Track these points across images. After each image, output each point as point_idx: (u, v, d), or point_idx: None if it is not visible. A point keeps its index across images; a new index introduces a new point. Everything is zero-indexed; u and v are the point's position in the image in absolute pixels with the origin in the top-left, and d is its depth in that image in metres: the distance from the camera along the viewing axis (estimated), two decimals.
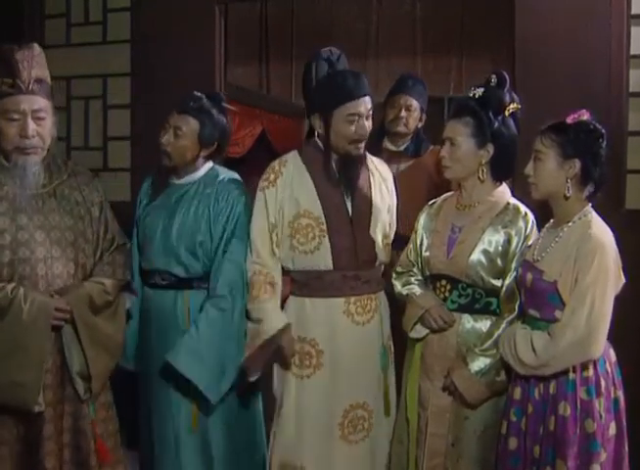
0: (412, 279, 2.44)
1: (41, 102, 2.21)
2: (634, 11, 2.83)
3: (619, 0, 2.82)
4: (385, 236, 2.51)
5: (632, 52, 2.83)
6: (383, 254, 2.50)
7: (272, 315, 2.40)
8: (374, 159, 2.60)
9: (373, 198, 2.48)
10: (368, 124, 2.40)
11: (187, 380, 2.41)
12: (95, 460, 2.26)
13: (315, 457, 2.41)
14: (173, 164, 2.56)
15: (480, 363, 2.22)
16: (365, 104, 2.38)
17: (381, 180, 2.55)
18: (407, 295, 2.41)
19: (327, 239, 2.41)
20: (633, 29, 2.83)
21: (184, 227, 2.52)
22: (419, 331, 2.36)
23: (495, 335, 2.22)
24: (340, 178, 2.43)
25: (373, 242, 2.46)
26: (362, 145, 2.43)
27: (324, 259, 2.42)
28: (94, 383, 2.24)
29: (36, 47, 2.26)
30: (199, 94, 2.58)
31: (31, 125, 2.18)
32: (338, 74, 2.38)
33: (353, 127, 2.38)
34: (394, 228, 2.60)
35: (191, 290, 2.54)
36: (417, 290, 2.40)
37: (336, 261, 2.42)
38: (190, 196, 2.56)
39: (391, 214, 2.57)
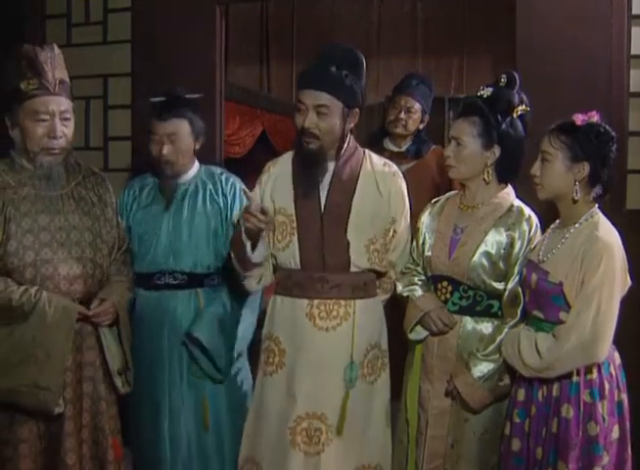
0: (415, 279, 2.42)
1: (66, 102, 2.24)
2: (635, 11, 2.83)
3: (620, 0, 2.81)
4: (370, 241, 2.35)
5: (633, 52, 2.83)
6: (362, 259, 2.34)
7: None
8: (376, 160, 2.45)
9: (354, 199, 2.34)
10: (317, 121, 2.26)
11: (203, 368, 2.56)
12: (112, 455, 2.29)
13: (269, 457, 2.36)
14: (176, 170, 2.61)
15: (482, 368, 2.21)
16: (313, 97, 2.25)
17: (373, 182, 2.38)
18: (407, 296, 2.39)
19: (296, 237, 2.33)
20: (634, 29, 2.83)
21: (194, 221, 2.59)
22: (419, 333, 2.35)
23: (498, 340, 2.21)
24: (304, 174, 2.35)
25: (347, 244, 2.32)
26: (309, 140, 2.28)
27: (293, 258, 2.34)
28: (131, 375, 2.35)
29: (56, 48, 2.28)
30: (162, 97, 2.63)
31: (59, 126, 2.19)
32: (311, 64, 2.31)
33: (298, 117, 2.28)
34: (399, 238, 2.43)
35: (202, 288, 2.60)
36: (418, 291, 2.38)
37: (303, 261, 2.33)
38: (192, 192, 2.63)
39: (392, 222, 2.40)
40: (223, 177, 2.69)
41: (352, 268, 2.35)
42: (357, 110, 2.36)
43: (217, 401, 2.59)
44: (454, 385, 2.24)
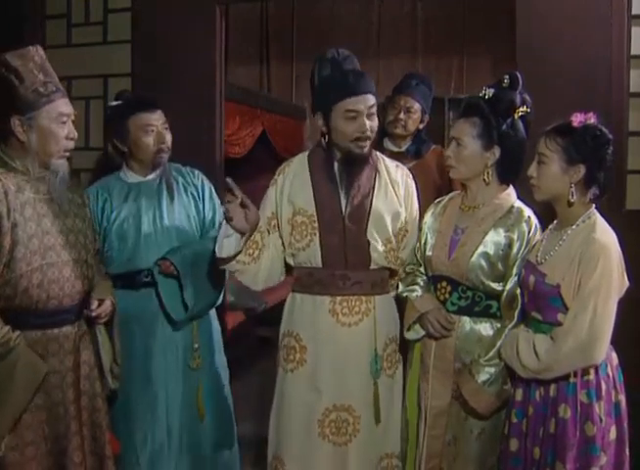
0: (417, 279, 2.43)
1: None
2: (635, 11, 2.83)
3: (620, 1, 2.81)
4: (387, 240, 2.42)
5: (633, 52, 2.82)
6: (381, 257, 2.42)
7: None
8: (388, 161, 2.53)
9: (373, 199, 2.42)
10: (370, 123, 2.34)
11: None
12: (110, 451, 2.31)
13: (294, 453, 2.41)
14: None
15: (485, 374, 2.21)
16: (365, 101, 2.32)
17: (388, 183, 2.46)
18: (406, 297, 2.40)
19: (317, 237, 2.39)
20: (634, 30, 2.82)
21: (174, 214, 2.65)
22: (417, 332, 2.37)
23: (498, 344, 2.21)
24: (340, 177, 2.41)
25: (367, 243, 2.39)
26: (365, 144, 2.37)
27: (314, 257, 2.40)
28: (119, 371, 2.37)
29: None
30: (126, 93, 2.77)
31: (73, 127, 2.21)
32: (339, 72, 2.34)
33: (353, 125, 2.33)
34: (410, 237, 2.49)
35: None
36: (417, 292, 2.39)
37: (325, 259, 2.39)
38: (165, 187, 2.68)
39: (404, 222, 2.47)
40: (188, 169, 2.79)
41: (372, 266, 2.42)
42: None
43: (207, 391, 2.67)
44: (460, 393, 2.25)
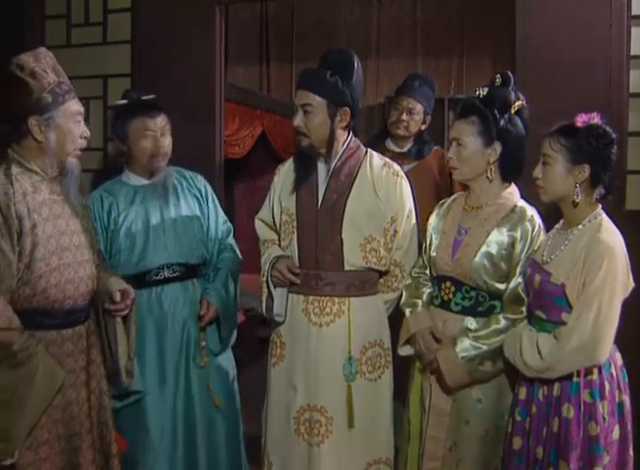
0: (422, 289, 2.44)
1: None
2: (634, 12, 2.83)
3: (620, 1, 2.81)
4: (366, 240, 2.38)
5: (632, 53, 2.83)
6: (357, 258, 2.38)
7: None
8: (377, 160, 2.47)
9: (349, 198, 2.38)
10: (305, 119, 2.36)
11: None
12: (116, 449, 2.32)
13: (276, 445, 2.46)
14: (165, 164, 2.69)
15: (467, 347, 2.23)
16: (299, 97, 2.37)
17: (369, 182, 2.41)
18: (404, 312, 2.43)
19: (295, 235, 2.41)
20: (633, 30, 2.83)
21: (181, 214, 2.68)
22: (407, 349, 2.41)
23: (492, 327, 2.22)
24: (321, 175, 2.44)
25: (340, 243, 2.37)
26: (302, 138, 2.39)
27: (294, 255, 2.42)
28: (132, 366, 2.38)
29: None
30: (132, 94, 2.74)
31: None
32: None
33: (294, 118, 2.39)
34: (402, 238, 2.45)
35: (197, 278, 2.70)
36: (417, 307, 2.39)
37: (301, 258, 2.41)
38: (170, 189, 2.69)
39: (390, 222, 2.42)
40: (191, 173, 2.81)
41: (347, 267, 2.40)
42: (347, 108, 2.38)
43: (216, 389, 2.68)
44: (435, 357, 2.26)
